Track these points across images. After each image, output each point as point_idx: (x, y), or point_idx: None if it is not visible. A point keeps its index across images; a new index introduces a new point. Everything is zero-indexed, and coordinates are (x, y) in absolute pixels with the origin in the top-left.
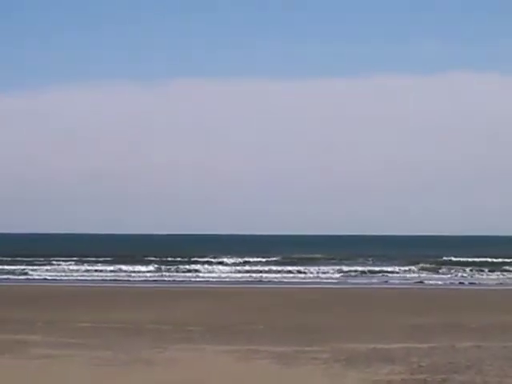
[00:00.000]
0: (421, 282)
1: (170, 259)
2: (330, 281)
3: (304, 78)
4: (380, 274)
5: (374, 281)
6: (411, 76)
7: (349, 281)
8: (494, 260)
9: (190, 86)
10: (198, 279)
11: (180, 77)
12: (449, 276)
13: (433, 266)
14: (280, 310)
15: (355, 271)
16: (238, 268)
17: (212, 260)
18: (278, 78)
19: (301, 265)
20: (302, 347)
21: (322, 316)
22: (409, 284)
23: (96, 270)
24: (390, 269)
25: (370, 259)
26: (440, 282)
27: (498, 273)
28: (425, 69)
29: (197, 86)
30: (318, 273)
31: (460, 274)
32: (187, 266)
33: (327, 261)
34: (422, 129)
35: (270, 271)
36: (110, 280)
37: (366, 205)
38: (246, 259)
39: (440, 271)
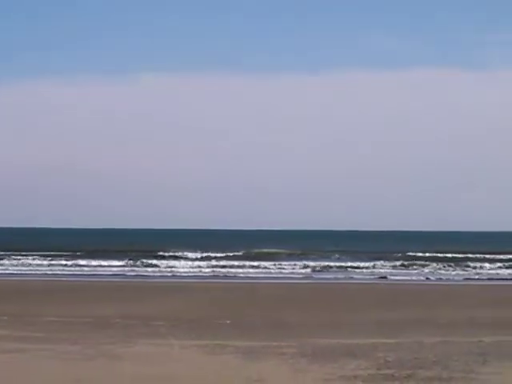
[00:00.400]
0: (385, 277)
1: (134, 254)
2: (296, 276)
3: (265, 73)
4: (346, 269)
5: (341, 276)
6: (372, 72)
7: (315, 276)
8: (458, 255)
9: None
10: (163, 274)
11: (146, 72)
12: (415, 271)
13: (400, 261)
14: (246, 305)
15: (322, 266)
16: (203, 263)
17: (176, 255)
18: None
19: (266, 260)
20: (269, 342)
21: (288, 311)
22: (374, 279)
23: (61, 265)
24: (355, 264)
25: (336, 254)
26: (406, 278)
27: (463, 268)
28: (386, 65)
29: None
30: (283, 268)
31: (427, 270)
32: (152, 261)
33: (293, 256)
34: (383, 125)
35: (234, 266)
36: (76, 275)
37: (330, 200)
38: (210, 254)
39: (406, 266)
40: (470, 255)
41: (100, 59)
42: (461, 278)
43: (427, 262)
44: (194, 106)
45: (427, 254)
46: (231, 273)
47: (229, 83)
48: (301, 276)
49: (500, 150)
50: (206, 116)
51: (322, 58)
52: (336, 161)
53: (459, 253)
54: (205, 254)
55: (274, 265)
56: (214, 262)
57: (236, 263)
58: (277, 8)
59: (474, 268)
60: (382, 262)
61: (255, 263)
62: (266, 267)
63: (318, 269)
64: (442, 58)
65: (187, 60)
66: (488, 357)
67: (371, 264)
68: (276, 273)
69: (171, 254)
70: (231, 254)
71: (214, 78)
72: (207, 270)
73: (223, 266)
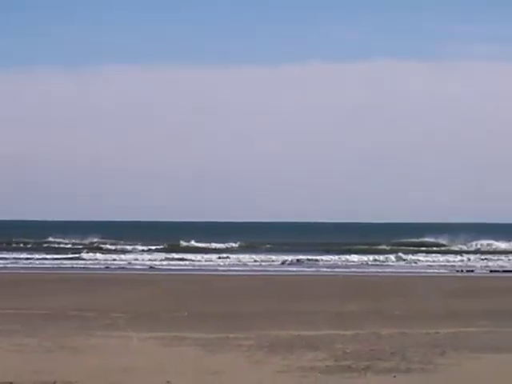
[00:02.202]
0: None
1: (84, 246)
2: (256, 268)
3: (226, 66)
4: (309, 262)
5: (303, 268)
6: (333, 63)
7: (275, 268)
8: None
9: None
10: (117, 265)
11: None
12: (378, 263)
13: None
14: (204, 297)
15: (283, 259)
16: (156, 255)
17: (127, 247)
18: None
19: (226, 252)
20: (227, 334)
21: (246, 303)
22: (337, 271)
23: (15, 258)
24: (318, 257)
25: (299, 246)
26: (366, 270)
27: (414, 258)
28: (347, 56)
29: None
30: (240, 260)
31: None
32: (96, 254)
33: (253, 248)
34: (344, 116)
35: (192, 259)
36: (32, 267)
37: (291, 191)
38: (161, 245)
39: (371, 258)
40: (422, 247)
41: (62, 50)
42: (416, 270)
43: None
44: (157, 98)
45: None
46: (188, 265)
47: (190, 75)
48: (261, 268)
49: (457, 138)
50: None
51: (283, 51)
52: (298, 153)
53: (409, 245)
54: (156, 246)
55: (231, 257)
56: (163, 254)
57: (193, 256)
58: (237, 1)
59: (420, 260)
60: (347, 254)
61: (214, 256)
62: (221, 258)
63: (276, 261)
64: (402, 49)
65: (147, 52)
66: (446, 348)
67: (337, 258)
68: (235, 264)
69: (114, 246)
70: (185, 245)
71: (174, 69)
72: (160, 262)
73: (177, 259)
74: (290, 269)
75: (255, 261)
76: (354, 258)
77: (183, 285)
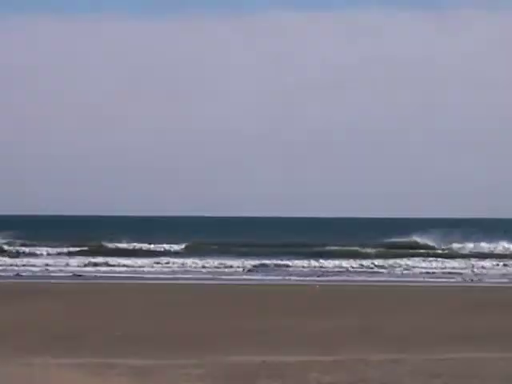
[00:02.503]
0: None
1: None
2: (207, 276)
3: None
4: (278, 268)
5: (268, 276)
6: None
7: (233, 277)
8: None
9: None
10: (30, 272)
11: None
12: (363, 268)
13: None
14: (142, 313)
15: (244, 264)
16: (78, 259)
17: (40, 248)
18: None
19: (167, 255)
20: (170, 360)
21: (196, 321)
22: (312, 280)
23: None
24: (289, 261)
25: (263, 248)
26: (353, 278)
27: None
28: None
29: None
30: (186, 265)
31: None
32: (10, 259)
33: (202, 250)
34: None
35: (125, 264)
36: None
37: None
38: (84, 247)
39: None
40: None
41: None
42: (417, 278)
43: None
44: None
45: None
46: (114, 271)
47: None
48: (212, 276)
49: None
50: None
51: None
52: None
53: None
54: (69, 248)
55: (173, 261)
56: (80, 258)
57: (117, 260)
58: None
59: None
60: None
61: (154, 259)
62: (160, 263)
63: (249, 268)
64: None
65: None
66: (448, 379)
67: (305, 263)
68: (179, 272)
69: (26, 248)
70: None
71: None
72: (78, 268)
73: (111, 264)
74: (251, 277)
75: (205, 266)
76: (333, 262)
77: (115, 297)
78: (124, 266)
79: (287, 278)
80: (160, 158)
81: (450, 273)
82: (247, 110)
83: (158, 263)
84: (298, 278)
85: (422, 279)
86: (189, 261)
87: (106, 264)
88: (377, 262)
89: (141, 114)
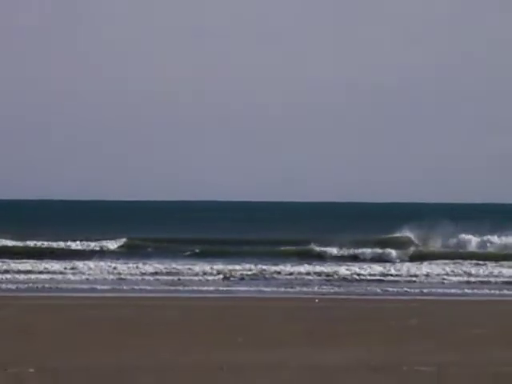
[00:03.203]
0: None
1: None
2: (159, 287)
3: None
4: (267, 275)
5: (248, 287)
6: None
7: (200, 287)
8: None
9: None
10: None
11: None
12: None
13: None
14: (65, 338)
15: (219, 270)
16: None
17: None
18: None
19: (98, 257)
20: None
21: (142, 350)
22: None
23: None
24: (278, 267)
25: (242, 246)
26: (361, 290)
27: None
28: None
29: None
30: (125, 272)
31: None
32: None
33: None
34: None
35: (39, 269)
36: None
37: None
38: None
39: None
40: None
41: None
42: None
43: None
44: None
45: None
46: (33, 280)
47: None
48: (177, 288)
49: None
50: None
51: None
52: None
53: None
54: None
55: (137, 266)
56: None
57: (39, 265)
58: None
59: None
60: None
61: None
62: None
63: (227, 275)
64: None
65: None
66: None
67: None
68: (114, 281)
69: None
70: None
71: None
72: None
73: (15, 271)
74: (226, 288)
75: (156, 273)
76: (339, 269)
77: (26, 315)
78: (24, 272)
79: (275, 289)
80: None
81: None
82: None
83: (73, 269)
84: (288, 289)
85: (459, 291)
86: (132, 265)
87: (14, 271)
88: (395, 267)
89: None
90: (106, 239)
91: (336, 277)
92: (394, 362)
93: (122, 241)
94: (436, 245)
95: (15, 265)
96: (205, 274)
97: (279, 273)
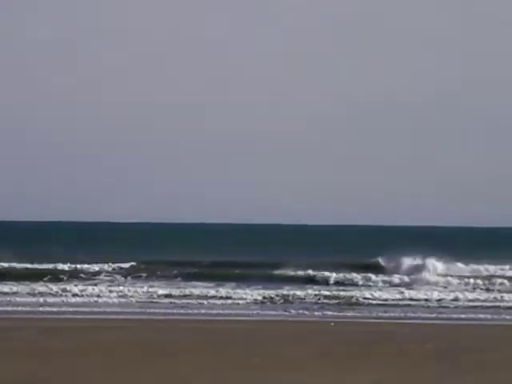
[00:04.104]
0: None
1: None
2: (171, 310)
3: None
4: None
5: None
6: None
7: (210, 311)
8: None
9: None
10: None
11: None
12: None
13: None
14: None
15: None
16: None
17: None
18: None
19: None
20: None
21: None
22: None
23: None
24: (298, 291)
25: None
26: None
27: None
28: None
29: None
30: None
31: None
32: None
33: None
34: None
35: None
36: None
37: None
38: None
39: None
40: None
41: None
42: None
43: None
44: None
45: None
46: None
47: None
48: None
49: None
50: None
51: None
52: None
53: None
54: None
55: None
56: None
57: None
58: None
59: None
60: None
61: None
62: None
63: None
64: None
65: None
66: None
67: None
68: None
69: None
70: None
71: None
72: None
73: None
74: (241, 311)
75: (169, 295)
76: (352, 293)
77: (40, 336)
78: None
79: (286, 312)
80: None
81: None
82: None
83: (65, 291)
84: (304, 312)
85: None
86: (139, 289)
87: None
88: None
89: None
90: (117, 262)
91: (346, 300)
92: None
93: (132, 263)
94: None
95: (23, 287)
96: (216, 297)
97: (295, 296)
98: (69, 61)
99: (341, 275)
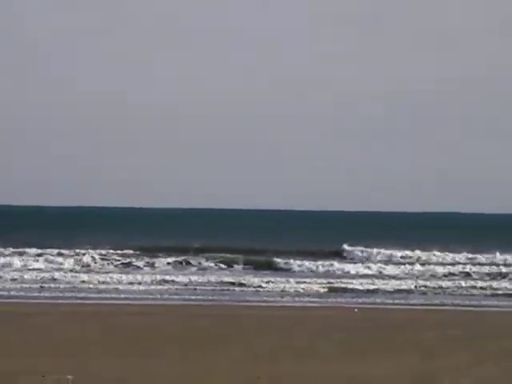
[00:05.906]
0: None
1: None
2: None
3: None
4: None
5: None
6: None
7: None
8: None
9: None
10: None
11: None
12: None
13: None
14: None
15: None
16: None
17: None
18: None
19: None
20: None
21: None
22: (346, 302)
23: None
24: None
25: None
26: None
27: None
28: None
29: None
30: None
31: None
32: None
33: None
34: None
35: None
36: None
37: None
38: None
39: None
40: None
41: None
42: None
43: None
44: None
45: None
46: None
47: None
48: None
49: None
50: None
51: None
52: None
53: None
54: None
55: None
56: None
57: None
58: None
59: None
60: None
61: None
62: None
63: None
64: None
65: None
66: None
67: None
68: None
69: None
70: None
71: None
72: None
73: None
74: (264, 298)
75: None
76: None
77: (63, 323)
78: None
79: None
80: None
81: None
82: None
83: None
84: (319, 299)
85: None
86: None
87: None
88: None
89: None
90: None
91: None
92: (435, 374)
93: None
94: None
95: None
96: (236, 284)
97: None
98: None
99: None
